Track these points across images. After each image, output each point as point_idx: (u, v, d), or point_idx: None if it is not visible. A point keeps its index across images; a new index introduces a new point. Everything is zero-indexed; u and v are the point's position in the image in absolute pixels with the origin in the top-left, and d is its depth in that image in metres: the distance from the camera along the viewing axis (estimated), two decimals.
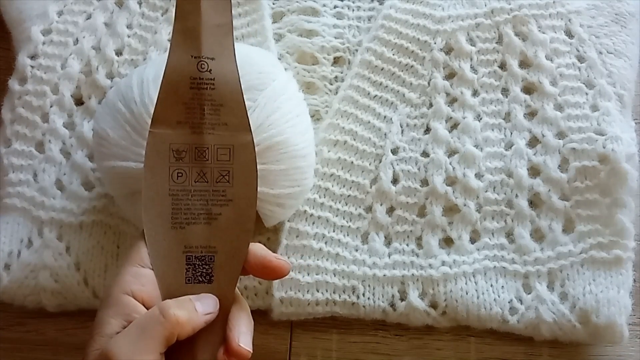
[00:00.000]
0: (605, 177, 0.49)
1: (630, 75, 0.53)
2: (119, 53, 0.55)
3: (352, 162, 0.51)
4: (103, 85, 0.54)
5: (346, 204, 0.51)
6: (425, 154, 0.52)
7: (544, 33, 0.54)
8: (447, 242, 0.50)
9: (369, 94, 0.53)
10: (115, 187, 0.46)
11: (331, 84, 0.54)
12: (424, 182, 0.51)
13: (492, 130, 0.52)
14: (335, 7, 0.56)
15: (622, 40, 0.54)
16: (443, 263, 0.49)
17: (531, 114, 0.53)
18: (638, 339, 0.50)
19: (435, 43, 0.54)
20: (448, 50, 0.54)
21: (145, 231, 0.38)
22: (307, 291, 0.49)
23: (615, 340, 0.47)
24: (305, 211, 0.50)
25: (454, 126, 0.52)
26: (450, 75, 0.54)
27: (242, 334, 0.37)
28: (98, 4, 0.56)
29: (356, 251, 0.50)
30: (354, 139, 0.52)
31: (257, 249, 0.39)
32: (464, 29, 0.54)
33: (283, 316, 0.49)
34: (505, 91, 0.53)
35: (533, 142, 0.52)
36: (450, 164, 0.51)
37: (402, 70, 0.53)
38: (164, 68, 0.38)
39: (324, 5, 0.56)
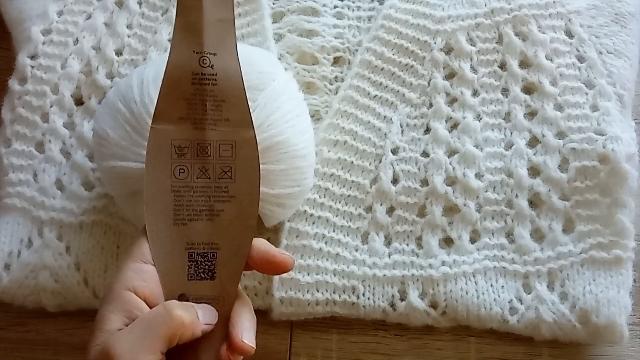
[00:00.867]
0: (605, 177, 0.49)
1: (630, 75, 0.53)
2: (119, 53, 0.55)
3: (352, 162, 0.51)
4: (103, 85, 0.54)
5: (346, 204, 0.51)
6: (425, 154, 0.52)
7: (544, 33, 0.54)
8: (447, 242, 0.50)
9: (369, 94, 0.53)
10: (115, 187, 0.46)
11: (331, 84, 0.54)
12: (424, 182, 0.51)
13: (492, 130, 0.52)
14: (335, 7, 0.56)
15: (622, 40, 0.54)
16: (443, 263, 0.49)
17: (531, 114, 0.53)
18: (638, 339, 0.50)
19: (435, 43, 0.54)
20: (448, 50, 0.54)
21: (147, 228, 0.38)
22: (307, 291, 0.49)
23: (615, 340, 0.47)
24: (305, 211, 0.50)
25: (454, 126, 0.52)
26: (450, 75, 0.54)
27: (246, 330, 0.37)
28: (98, 4, 0.56)
29: (356, 251, 0.50)
30: (354, 139, 0.52)
31: (261, 244, 0.39)
32: (464, 29, 0.54)
33: (283, 316, 0.49)
34: (505, 91, 0.53)
35: (533, 142, 0.52)
36: (450, 164, 0.51)
37: (402, 70, 0.53)
38: (165, 64, 0.38)
39: (324, 5, 0.56)
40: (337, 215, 0.50)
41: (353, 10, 0.56)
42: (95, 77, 0.54)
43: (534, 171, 0.51)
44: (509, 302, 0.48)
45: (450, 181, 0.51)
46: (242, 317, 0.37)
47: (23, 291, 0.50)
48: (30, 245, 0.51)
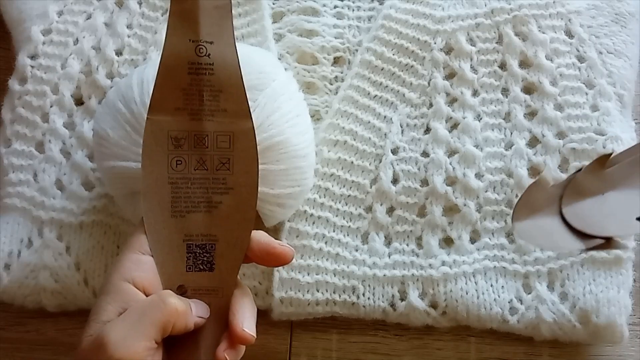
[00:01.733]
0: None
1: (630, 75, 0.53)
2: (119, 53, 0.55)
3: (352, 162, 0.51)
4: (103, 85, 0.54)
5: (346, 204, 0.51)
6: (425, 154, 0.52)
7: (544, 33, 0.54)
8: (447, 242, 0.50)
9: (369, 94, 0.53)
10: (115, 187, 0.46)
11: (331, 84, 0.54)
12: (424, 182, 0.51)
13: (492, 130, 0.52)
14: (335, 7, 0.56)
15: (622, 40, 0.54)
16: (443, 263, 0.49)
17: (531, 114, 0.53)
18: (638, 339, 0.50)
19: (435, 43, 0.54)
20: (448, 50, 0.54)
21: (144, 220, 0.37)
22: (307, 291, 0.49)
23: (615, 340, 0.47)
24: (305, 211, 0.50)
25: (454, 126, 0.52)
26: (450, 75, 0.54)
27: (246, 319, 0.37)
28: (98, 4, 0.56)
29: (356, 251, 0.50)
30: (354, 139, 0.52)
31: (260, 236, 0.38)
32: (464, 29, 0.54)
33: (283, 316, 0.49)
34: (505, 91, 0.53)
35: (533, 142, 0.52)
36: (450, 164, 0.51)
37: (402, 70, 0.53)
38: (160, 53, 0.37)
39: (324, 5, 0.56)
40: (337, 215, 0.50)
41: (353, 10, 0.56)
42: (95, 77, 0.54)
43: (534, 171, 0.51)
44: (509, 302, 0.48)
45: (450, 181, 0.51)
46: (242, 307, 0.37)
47: (23, 291, 0.50)
48: (30, 245, 0.50)
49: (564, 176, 0.50)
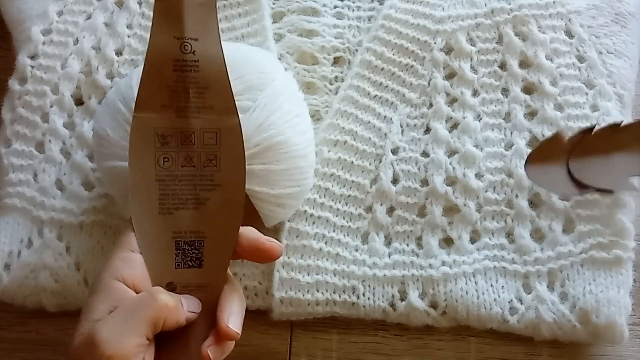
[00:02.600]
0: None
1: (630, 75, 0.53)
2: (119, 53, 0.55)
3: (352, 162, 0.51)
4: (103, 85, 0.54)
5: (346, 204, 0.51)
6: (425, 154, 0.52)
7: (544, 33, 0.54)
8: (447, 242, 0.50)
9: (369, 94, 0.53)
10: (115, 187, 0.46)
11: (331, 84, 0.54)
12: (424, 182, 0.51)
13: (492, 130, 0.52)
14: (335, 7, 0.56)
15: (622, 40, 0.54)
16: (443, 263, 0.49)
17: (531, 114, 0.53)
18: (638, 339, 0.50)
19: (435, 43, 0.54)
20: (448, 50, 0.54)
21: (132, 217, 0.37)
22: (307, 291, 0.49)
23: (615, 340, 0.47)
24: (305, 211, 0.50)
25: (454, 126, 0.52)
26: (450, 75, 0.54)
27: (232, 315, 0.37)
28: (98, 4, 0.56)
29: (356, 251, 0.50)
30: (354, 139, 0.52)
31: (249, 232, 0.38)
32: (464, 29, 0.54)
33: (283, 316, 0.49)
34: (505, 91, 0.53)
35: (533, 142, 0.52)
36: (450, 164, 0.51)
37: (402, 70, 0.53)
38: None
39: (324, 5, 0.56)
40: (337, 215, 0.50)
41: (353, 10, 0.56)
42: (95, 77, 0.54)
43: None
44: (509, 302, 0.48)
45: (450, 181, 0.51)
46: (229, 303, 0.37)
47: (23, 291, 0.50)
48: (30, 245, 0.50)
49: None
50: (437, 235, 0.50)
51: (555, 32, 0.54)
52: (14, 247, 0.50)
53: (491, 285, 0.49)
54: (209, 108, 0.38)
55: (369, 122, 0.52)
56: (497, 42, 0.54)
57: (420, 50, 0.54)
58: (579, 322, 0.47)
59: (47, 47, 0.55)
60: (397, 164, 0.51)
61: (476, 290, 0.48)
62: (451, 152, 0.52)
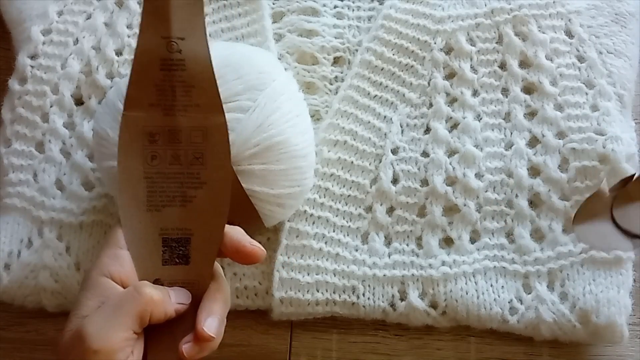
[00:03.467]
0: (605, 177, 0.49)
1: (630, 75, 0.53)
2: (119, 53, 0.55)
3: (352, 162, 0.51)
4: (103, 85, 0.54)
5: (346, 204, 0.51)
6: (425, 154, 0.52)
7: (544, 33, 0.54)
8: (447, 242, 0.50)
9: (369, 94, 0.53)
10: (115, 187, 0.46)
11: (331, 84, 0.54)
12: (424, 182, 0.51)
13: (492, 130, 0.52)
14: (335, 7, 0.56)
15: (622, 40, 0.54)
16: (443, 263, 0.49)
17: (531, 114, 0.53)
18: (638, 339, 0.50)
19: (435, 43, 0.54)
20: (448, 50, 0.54)
21: (120, 214, 0.38)
22: (307, 291, 0.49)
23: (615, 340, 0.47)
24: (305, 211, 0.50)
25: (454, 126, 0.52)
26: (450, 75, 0.54)
27: (211, 317, 0.36)
28: (98, 4, 0.56)
29: (356, 251, 0.50)
30: (354, 139, 0.52)
31: (234, 232, 0.38)
32: (464, 29, 0.54)
33: (283, 316, 0.49)
34: (505, 91, 0.53)
35: (533, 142, 0.52)
36: (450, 164, 0.51)
37: (402, 70, 0.53)
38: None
39: (324, 5, 0.56)
40: (337, 215, 0.50)
41: (353, 10, 0.56)
42: (95, 77, 0.54)
43: (534, 171, 0.51)
44: (509, 302, 0.48)
45: (450, 181, 0.51)
46: (211, 304, 0.37)
47: (23, 291, 0.50)
48: (30, 245, 0.51)
49: (564, 176, 0.50)
50: (437, 235, 0.50)
51: (555, 32, 0.54)
52: (14, 247, 0.50)
53: (491, 285, 0.49)
54: (195, 106, 0.38)
55: (369, 122, 0.52)
56: (497, 42, 0.54)
57: (420, 50, 0.54)
58: (579, 322, 0.47)
59: (47, 47, 0.55)
60: (397, 164, 0.51)
61: (476, 290, 0.48)
62: (451, 152, 0.52)
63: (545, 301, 0.48)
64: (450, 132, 0.52)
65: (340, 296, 0.49)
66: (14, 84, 0.54)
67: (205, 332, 0.36)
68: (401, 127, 0.52)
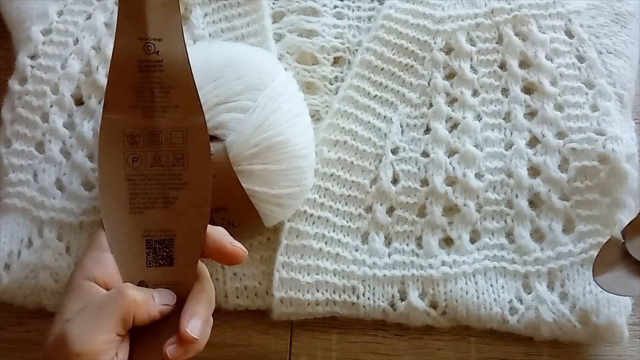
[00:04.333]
0: (605, 177, 0.49)
1: (630, 75, 0.53)
2: None
3: (352, 162, 0.51)
4: (103, 85, 0.54)
5: (346, 204, 0.51)
6: (425, 154, 0.52)
7: (544, 33, 0.54)
8: (447, 242, 0.50)
9: (369, 94, 0.53)
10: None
11: (331, 84, 0.54)
12: (424, 182, 0.51)
13: (492, 130, 0.52)
14: (335, 7, 0.56)
15: (622, 40, 0.54)
16: (443, 263, 0.49)
17: (531, 114, 0.53)
18: (638, 339, 0.50)
19: (435, 43, 0.54)
20: (448, 50, 0.54)
21: (103, 217, 0.38)
22: (307, 291, 0.49)
23: (615, 340, 0.47)
24: (305, 211, 0.50)
25: (454, 126, 0.52)
26: (450, 75, 0.54)
27: (194, 318, 0.36)
28: (98, 4, 0.56)
29: (356, 251, 0.50)
30: (354, 139, 0.52)
31: (216, 233, 0.38)
32: (464, 29, 0.54)
33: (283, 316, 0.49)
34: (505, 91, 0.53)
35: (533, 142, 0.52)
36: (450, 164, 0.51)
37: (402, 70, 0.53)
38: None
39: (324, 5, 0.56)
40: (337, 215, 0.50)
41: (353, 10, 0.56)
42: (95, 77, 0.54)
43: (534, 171, 0.51)
44: (509, 302, 0.48)
45: (450, 181, 0.51)
46: (195, 305, 0.37)
47: (23, 291, 0.50)
48: (30, 245, 0.50)
49: (564, 176, 0.50)
50: (437, 235, 0.50)
51: (555, 32, 0.54)
52: (14, 247, 0.50)
53: (491, 285, 0.49)
54: (174, 107, 0.38)
55: (369, 122, 0.52)
56: (497, 42, 0.54)
57: (420, 50, 0.54)
58: (579, 322, 0.47)
59: (47, 47, 0.55)
60: (397, 164, 0.51)
61: (476, 290, 0.48)
62: (451, 152, 0.52)
63: (545, 301, 0.48)
64: (450, 132, 0.52)
65: (340, 296, 0.49)
66: (14, 84, 0.54)
67: (189, 333, 0.36)
68: (401, 127, 0.52)
